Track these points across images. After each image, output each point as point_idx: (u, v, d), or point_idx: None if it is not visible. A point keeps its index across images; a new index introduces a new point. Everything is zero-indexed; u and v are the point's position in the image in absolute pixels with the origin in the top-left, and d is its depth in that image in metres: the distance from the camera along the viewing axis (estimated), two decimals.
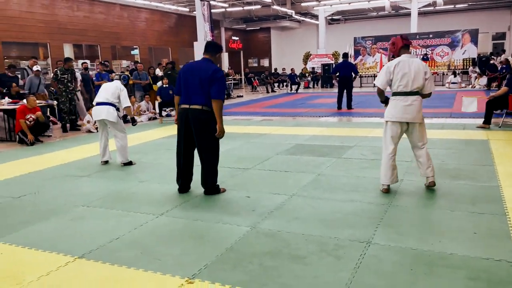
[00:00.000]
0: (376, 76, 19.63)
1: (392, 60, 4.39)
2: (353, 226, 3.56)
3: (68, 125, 9.74)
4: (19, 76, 11.04)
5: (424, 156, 4.38)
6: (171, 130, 8.92)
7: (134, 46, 19.74)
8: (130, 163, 6.13)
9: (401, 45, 4.33)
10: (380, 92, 4.41)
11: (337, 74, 12.24)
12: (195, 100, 4.27)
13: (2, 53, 13.92)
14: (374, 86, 4.51)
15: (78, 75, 10.66)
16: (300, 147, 6.97)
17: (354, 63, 22.64)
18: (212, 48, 4.52)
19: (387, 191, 4.40)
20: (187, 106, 4.31)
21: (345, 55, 12.63)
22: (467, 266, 2.80)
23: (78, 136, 9.00)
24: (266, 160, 6.12)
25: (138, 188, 4.95)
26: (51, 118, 10.22)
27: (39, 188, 5.07)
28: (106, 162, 6.24)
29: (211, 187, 4.53)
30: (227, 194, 4.58)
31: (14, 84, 9.58)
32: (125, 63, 18.83)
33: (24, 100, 8.48)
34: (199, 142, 4.36)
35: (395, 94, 4.32)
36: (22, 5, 14.36)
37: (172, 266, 2.94)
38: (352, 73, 12.16)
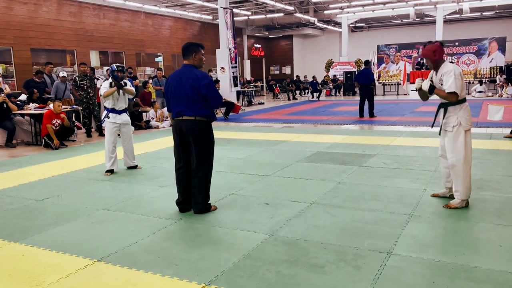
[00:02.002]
0: (402, 83, 19.07)
1: (422, 62, 4.26)
2: (373, 235, 3.49)
3: (92, 130, 9.94)
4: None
5: None
6: None
7: (158, 53, 20.06)
8: (136, 166, 6.31)
9: (442, 54, 4.14)
10: (455, 99, 4.01)
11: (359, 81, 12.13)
12: (186, 111, 4.02)
13: (31, 60, 14.34)
14: (451, 93, 3.96)
15: (97, 82, 10.88)
16: (320, 154, 6.91)
17: (377, 70, 22.48)
18: (190, 51, 4.10)
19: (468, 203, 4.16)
20: (179, 118, 4.07)
21: (367, 63, 12.51)
22: (492, 279, 2.70)
23: (102, 141, 9.16)
24: (286, 167, 6.09)
25: (159, 193, 4.99)
26: (76, 123, 10.45)
27: (62, 191, 5.17)
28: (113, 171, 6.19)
29: (203, 204, 4.16)
30: (246, 200, 4.56)
31: (35, 90, 9.85)
32: (148, 70, 19.16)
33: (51, 105, 8.69)
34: (195, 154, 4.06)
35: (465, 100, 4.09)
36: (51, 13, 14.80)
37: (189, 272, 2.94)
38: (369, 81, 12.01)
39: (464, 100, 4.07)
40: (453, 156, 4.06)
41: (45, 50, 15.16)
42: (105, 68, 15.00)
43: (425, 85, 4.13)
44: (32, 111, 8.91)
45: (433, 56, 4.12)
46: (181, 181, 4.22)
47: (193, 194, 4.16)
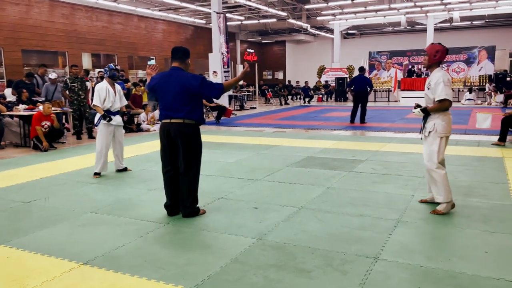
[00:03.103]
0: (392, 90, 19.20)
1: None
2: (360, 241, 3.50)
3: (83, 132, 9.88)
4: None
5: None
6: None
7: (151, 57, 20.03)
8: (126, 169, 6.30)
9: (444, 57, 4.16)
10: (449, 105, 4.03)
11: (352, 88, 12.19)
12: (175, 114, 3.98)
13: (22, 61, 14.23)
14: (442, 101, 4.00)
15: (88, 84, 10.84)
16: (311, 159, 6.93)
17: (368, 77, 22.64)
18: (183, 53, 4.08)
19: (454, 205, 4.22)
20: (168, 120, 4.02)
21: (361, 69, 12.58)
22: (477, 285, 2.72)
23: (91, 144, 9.10)
24: (276, 171, 6.09)
25: (148, 196, 4.96)
26: (66, 125, 10.38)
27: (50, 194, 5.12)
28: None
29: (191, 208, 4.12)
30: (235, 204, 4.56)
31: (24, 90, 9.74)
32: (141, 73, 19.11)
33: (40, 107, 8.63)
34: (183, 157, 4.01)
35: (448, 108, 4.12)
36: (43, 15, 14.72)
37: (175, 276, 2.92)
38: (368, 88, 12.09)
39: (447, 108, 4.10)
40: (428, 160, 4.17)
41: (36, 52, 15.06)
42: (97, 70, 14.92)
43: (418, 113, 4.22)
44: (21, 113, 8.83)
45: (433, 55, 4.17)
46: (169, 184, 4.17)
47: (181, 197, 4.14)
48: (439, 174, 4.10)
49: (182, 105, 3.98)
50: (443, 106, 4.05)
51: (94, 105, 5.95)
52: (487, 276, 2.85)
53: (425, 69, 4.30)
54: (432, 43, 4.30)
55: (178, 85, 3.96)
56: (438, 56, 4.16)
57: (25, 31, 14.10)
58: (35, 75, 10.85)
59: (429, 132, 4.14)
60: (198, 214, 4.21)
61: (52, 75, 10.46)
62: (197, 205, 4.22)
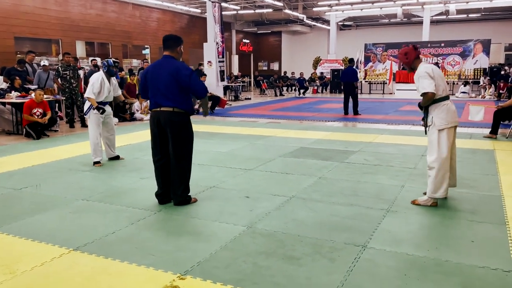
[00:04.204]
0: (387, 82, 19.18)
1: (403, 69, 4.31)
2: (349, 229, 3.53)
3: (76, 120, 9.83)
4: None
5: (455, 162, 4.24)
6: None
7: (145, 46, 19.88)
8: (118, 157, 6.31)
9: (414, 56, 4.15)
10: (432, 97, 4.00)
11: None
12: (165, 102, 3.97)
13: (15, 48, 14.09)
14: (424, 95, 3.98)
15: (80, 72, 10.76)
16: (304, 150, 6.95)
17: (363, 69, 22.64)
18: (173, 41, 4.06)
19: (437, 204, 4.14)
20: (157, 109, 4.01)
21: (351, 61, 12.63)
22: (462, 273, 2.77)
23: (84, 132, 9.06)
24: (269, 161, 6.11)
25: (140, 184, 4.97)
26: (59, 113, 10.32)
27: (42, 181, 5.11)
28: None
29: (182, 196, 4.14)
30: (227, 193, 4.58)
31: (17, 78, 9.66)
32: (135, 62, 18.97)
33: (33, 95, 8.57)
34: (173, 146, 4.02)
35: (441, 99, 4.05)
36: (36, 1, 14.53)
37: (165, 262, 2.94)
38: (352, 79, 12.07)
39: (440, 99, 4.04)
40: (428, 156, 4.11)
41: (29, 39, 14.89)
42: (90, 58, 14.80)
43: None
44: (14, 100, 8.77)
45: (404, 58, 4.17)
46: (159, 173, 4.18)
47: (173, 186, 4.14)
48: (436, 170, 4.00)
49: (171, 94, 3.96)
50: (426, 99, 4.03)
51: (87, 97, 5.86)
52: (472, 264, 2.89)
53: (410, 72, 4.29)
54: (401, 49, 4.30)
55: (168, 74, 3.94)
56: (409, 57, 4.15)
57: (18, 18, 13.93)
58: (26, 63, 10.75)
59: (429, 126, 4.09)
60: (190, 203, 4.22)
61: (44, 62, 10.37)
62: (189, 194, 4.23)
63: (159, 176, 4.19)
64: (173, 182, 4.13)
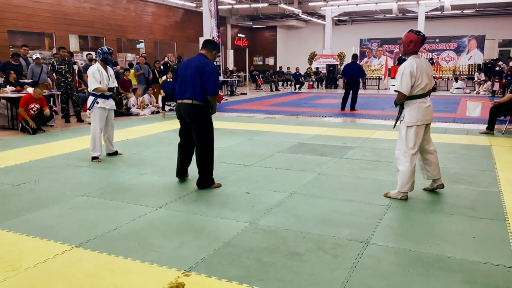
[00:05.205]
0: (384, 79, 19.21)
1: (404, 58, 4.30)
2: (351, 225, 3.55)
3: (71, 115, 9.75)
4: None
5: (435, 158, 4.31)
6: (174, 124, 8.91)
7: (140, 40, 19.72)
8: (116, 153, 6.29)
9: (417, 49, 4.11)
10: (403, 98, 4.08)
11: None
12: (186, 95, 4.36)
13: (8, 42, 13.92)
14: (396, 92, 4.09)
15: (75, 67, 10.67)
16: (302, 146, 6.96)
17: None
18: (212, 45, 4.55)
19: (407, 198, 4.24)
20: (180, 101, 4.44)
21: (355, 57, 12.59)
22: (464, 269, 2.79)
23: (80, 127, 9.01)
24: (267, 157, 6.11)
25: (139, 180, 4.95)
26: (54, 108, 10.23)
27: (40, 177, 5.07)
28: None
29: (204, 180, 4.52)
30: (227, 189, 4.57)
31: (12, 72, 9.55)
32: (130, 56, 18.84)
33: (29, 89, 8.48)
34: (194, 134, 4.47)
35: (415, 97, 4.07)
36: None
37: (169, 259, 2.94)
38: (359, 76, 12.12)
39: (415, 97, 4.06)
40: (396, 149, 4.27)
41: (22, 33, 14.72)
42: (85, 52, 14.66)
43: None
44: (9, 94, 8.68)
45: (407, 45, 4.14)
46: (180, 153, 4.73)
47: (198, 169, 4.55)
48: (403, 164, 4.13)
49: (193, 87, 4.30)
50: (399, 97, 4.10)
51: (94, 89, 5.77)
52: (474, 260, 2.92)
53: (403, 56, 4.31)
54: (410, 31, 4.19)
55: (195, 67, 4.31)
56: (411, 47, 4.11)
57: (11, 11, 13.75)
58: (20, 57, 10.64)
59: (400, 121, 4.21)
60: (211, 187, 4.55)
61: (37, 55, 10.26)
62: (212, 178, 4.57)
63: (179, 154, 4.73)
64: (197, 165, 4.53)
